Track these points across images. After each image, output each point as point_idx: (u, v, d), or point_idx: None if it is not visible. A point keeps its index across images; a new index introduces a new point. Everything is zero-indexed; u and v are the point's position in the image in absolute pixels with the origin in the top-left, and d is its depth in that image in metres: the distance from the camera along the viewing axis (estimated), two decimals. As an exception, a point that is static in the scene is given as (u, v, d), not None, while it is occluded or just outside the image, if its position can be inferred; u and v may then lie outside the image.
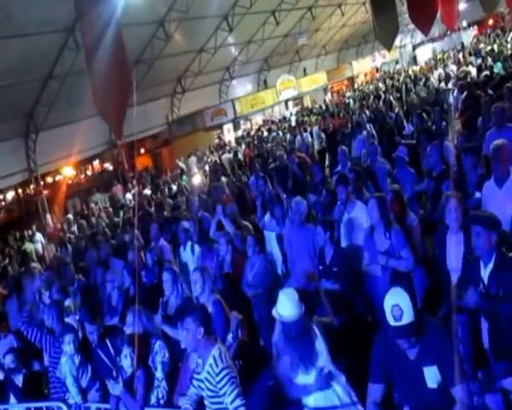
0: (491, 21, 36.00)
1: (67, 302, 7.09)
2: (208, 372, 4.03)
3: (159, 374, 4.95)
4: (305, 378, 4.09)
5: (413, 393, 3.43)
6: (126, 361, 4.99)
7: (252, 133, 26.34)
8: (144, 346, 4.96)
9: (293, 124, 23.52)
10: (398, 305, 3.24)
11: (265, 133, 22.86)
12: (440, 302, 5.08)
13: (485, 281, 4.00)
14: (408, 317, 3.24)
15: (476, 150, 6.51)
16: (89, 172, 24.41)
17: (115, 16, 4.89)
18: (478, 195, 5.84)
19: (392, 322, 3.28)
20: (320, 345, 4.11)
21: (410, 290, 3.36)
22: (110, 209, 16.48)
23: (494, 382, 3.97)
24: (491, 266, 3.99)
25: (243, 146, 22.01)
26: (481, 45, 27.72)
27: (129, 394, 4.83)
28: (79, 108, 17.58)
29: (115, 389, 5.00)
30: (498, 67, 16.01)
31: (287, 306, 4.08)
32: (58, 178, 22.94)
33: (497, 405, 4.02)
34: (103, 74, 4.95)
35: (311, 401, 4.09)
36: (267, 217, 7.75)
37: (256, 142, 22.58)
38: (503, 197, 5.39)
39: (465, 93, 12.14)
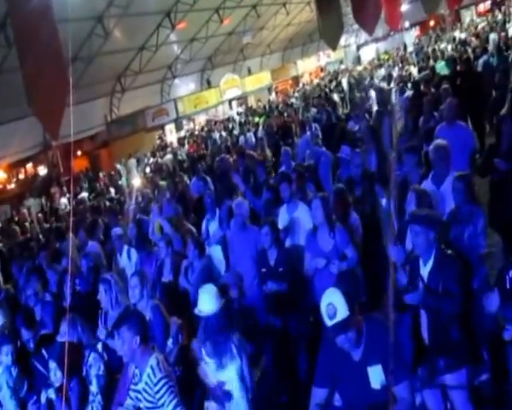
0: (432, 22, 36.77)
1: None
2: (146, 383, 3.91)
3: (94, 388, 4.74)
4: (220, 374, 4.21)
5: (357, 395, 3.41)
6: (56, 373, 4.74)
7: (196, 133, 25.79)
8: (77, 356, 4.78)
9: (237, 123, 23.23)
10: (331, 303, 3.29)
11: (216, 134, 22.38)
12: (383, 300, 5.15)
13: (425, 278, 4.04)
14: (342, 313, 3.27)
15: (417, 149, 6.60)
16: (21, 176, 23.40)
17: (50, 11, 4.74)
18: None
19: (328, 322, 3.30)
20: (237, 341, 4.23)
21: (350, 286, 3.64)
22: (40, 215, 15.70)
23: (434, 378, 4.00)
24: (430, 263, 4.03)
25: (186, 147, 21.49)
26: (424, 45, 28.28)
27: (64, 406, 4.62)
28: (11, 108, 16.81)
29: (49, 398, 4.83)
30: (440, 67, 16.15)
31: (205, 300, 4.20)
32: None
33: (436, 401, 4.07)
34: (38, 73, 4.77)
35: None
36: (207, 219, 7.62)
37: (199, 141, 22.14)
38: (440, 197, 5.48)
39: (411, 92, 12.26)
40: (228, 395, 4.23)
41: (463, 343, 3.98)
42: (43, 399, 4.93)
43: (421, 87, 12.61)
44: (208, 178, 10.42)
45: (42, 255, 8.44)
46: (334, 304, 3.28)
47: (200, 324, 4.38)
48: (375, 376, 3.38)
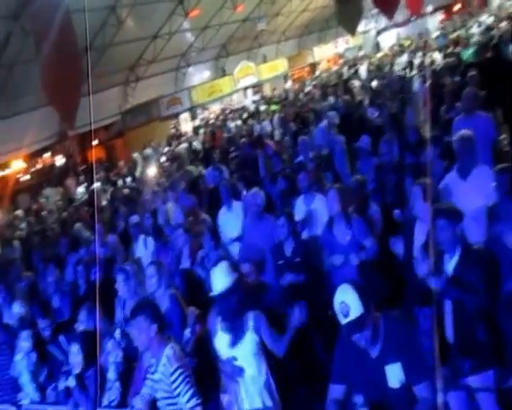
0: (457, 6, 35.76)
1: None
2: (162, 373, 3.93)
3: (111, 375, 4.80)
4: (233, 350, 4.11)
5: (374, 393, 3.33)
6: (76, 359, 4.77)
7: (210, 122, 25.64)
8: (95, 344, 4.71)
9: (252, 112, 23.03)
10: (343, 302, 3.20)
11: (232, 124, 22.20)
12: (402, 298, 5.08)
13: (450, 274, 3.93)
14: (355, 311, 3.18)
15: (439, 140, 6.50)
16: (39, 166, 23.57)
17: (64, 1, 4.75)
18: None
19: (342, 320, 3.23)
20: (252, 320, 4.11)
21: (366, 281, 3.54)
22: (60, 203, 15.76)
23: (458, 379, 3.90)
24: (456, 259, 3.93)
25: (200, 136, 21.35)
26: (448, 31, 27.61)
27: (82, 392, 4.67)
28: (28, 98, 16.97)
29: (72, 383, 4.80)
30: (468, 54, 15.70)
31: (218, 277, 4.08)
32: (6, 172, 22.12)
33: (461, 403, 3.96)
34: (53, 62, 4.79)
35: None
36: (223, 210, 7.55)
37: (214, 131, 21.98)
38: (467, 190, 5.29)
39: (429, 81, 11.95)
40: (239, 371, 4.12)
41: (490, 344, 3.84)
42: (61, 386, 4.94)
43: (445, 75, 12.24)
44: (224, 168, 10.33)
45: (61, 243, 8.54)
46: (346, 302, 3.20)
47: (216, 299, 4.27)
48: (394, 374, 3.28)
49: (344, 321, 3.22)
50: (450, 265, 3.95)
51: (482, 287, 3.76)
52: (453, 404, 3.94)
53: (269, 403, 4.15)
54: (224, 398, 4.28)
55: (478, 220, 4.88)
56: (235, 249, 6.83)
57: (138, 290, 5.64)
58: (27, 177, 23.11)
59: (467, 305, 3.81)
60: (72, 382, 4.74)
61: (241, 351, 4.12)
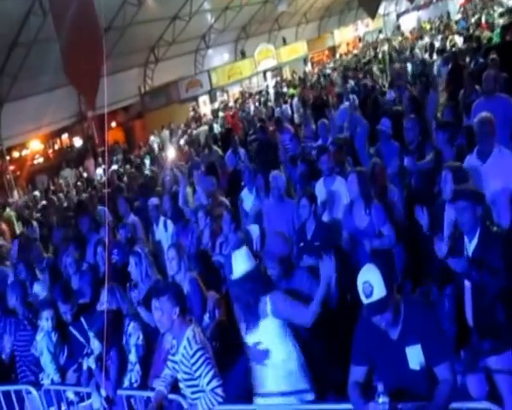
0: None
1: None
2: (183, 355, 3.96)
3: (132, 357, 4.79)
4: (252, 336, 4.07)
5: (394, 375, 3.33)
6: (95, 342, 4.80)
7: (230, 105, 25.54)
8: (117, 325, 4.80)
9: (272, 95, 22.88)
10: (368, 281, 3.20)
11: (251, 106, 22.08)
12: (422, 280, 5.14)
13: (470, 256, 3.94)
14: (379, 292, 3.18)
15: (449, 126, 6.39)
16: (57, 147, 23.69)
17: None
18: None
19: (364, 300, 3.23)
20: (269, 304, 4.02)
21: (387, 266, 3.35)
22: (79, 184, 15.85)
23: (477, 361, 3.93)
24: (475, 241, 3.94)
25: (219, 120, 21.29)
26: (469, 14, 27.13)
27: (102, 374, 4.66)
28: (46, 77, 16.84)
29: (89, 365, 4.86)
30: (490, 37, 15.46)
31: (237, 263, 4.06)
32: (25, 152, 22.27)
33: (479, 385, 3.96)
34: (74, 42, 4.79)
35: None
36: (245, 192, 7.57)
37: (233, 114, 21.90)
38: (486, 172, 5.28)
39: (450, 64, 11.76)
40: (264, 354, 4.06)
41: (509, 325, 3.85)
42: (84, 366, 4.98)
43: (467, 58, 12.06)
44: (243, 151, 10.28)
45: (82, 222, 8.51)
46: (370, 282, 3.19)
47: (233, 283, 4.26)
48: (414, 356, 3.29)
49: (366, 301, 3.22)
50: (471, 246, 3.96)
51: (501, 268, 3.76)
52: (472, 386, 3.94)
53: (301, 386, 4.08)
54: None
55: (497, 203, 4.87)
56: (255, 232, 6.78)
57: (151, 274, 5.62)
58: (45, 157, 23.26)
59: (486, 286, 3.81)
60: (92, 363, 4.77)
61: (264, 336, 4.06)
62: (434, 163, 6.39)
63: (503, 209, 4.88)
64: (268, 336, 4.05)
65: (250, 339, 4.12)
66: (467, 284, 3.96)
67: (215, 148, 11.98)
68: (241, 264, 4.07)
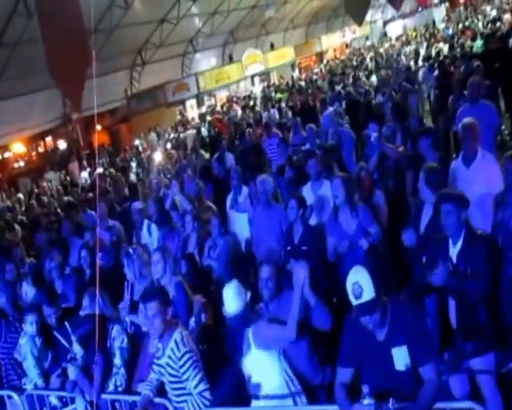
0: (462, -1, 35.95)
1: None
2: (170, 357, 3.95)
3: (117, 361, 4.78)
4: (245, 370, 4.12)
5: (380, 376, 3.36)
6: (77, 347, 4.82)
7: (217, 109, 25.54)
8: (101, 329, 4.69)
9: (260, 100, 22.93)
10: (357, 282, 3.23)
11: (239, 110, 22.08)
12: (408, 280, 5.13)
13: (454, 259, 4.00)
14: (368, 293, 3.22)
15: (431, 132, 6.55)
16: (41, 149, 23.47)
17: None
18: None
19: (353, 301, 3.26)
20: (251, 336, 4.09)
21: (375, 266, 3.36)
22: (60, 188, 15.70)
23: (460, 362, 3.98)
24: (460, 244, 3.99)
25: (207, 123, 21.27)
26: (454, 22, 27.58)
27: (86, 379, 4.68)
28: (31, 79, 16.79)
29: (73, 372, 4.81)
30: (477, 45, 15.68)
31: (229, 301, 4.11)
32: (7, 155, 22.02)
33: (462, 386, 4.01)
34: (59, 43, 4.76)
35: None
36: (241, 197, 7.57)
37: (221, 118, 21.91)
38: (470, 177, 5.43)
39: (436, 71, 11.98)
40: (256, 387, 4.08)
41: (491, 327, 3.92)
42: (69, 374, 4.91)
43: (451, 65, 12.26)
44: (230, 155, 10.26)
45: (65, 226, 8.41)
46: (360, 283, 3.23)
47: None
48: (400, 357, 3.33)
49: (355, 302, 3.25)
50: (455, 249, 4.01)
51: (485, 271, 3.82)
52: (455, 386, 3.99)
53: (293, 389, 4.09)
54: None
55: (481, 207, 4.96)
56: (244, 234, 6.87)
57: (145, 274, 5.56)
58: (29, 160, 23.02)
59: (469, 289, 3.84)
60: (72, 373, 4.75)
61: (253, 369, 4.10)
62: (378, 168, 6.71)
63: (487, 213, 4.94)
64: (256, 369, 4.07)
65: (245, 371, 4.16)
66: (450, 286, 3.99)
67: (201, 152, 11.92)
68: (232, 301, 4.10)
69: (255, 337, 4.07)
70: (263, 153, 10.22)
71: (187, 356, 3.89)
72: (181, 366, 3.88)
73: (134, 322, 5.22)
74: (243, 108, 22.10)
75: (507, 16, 19.72)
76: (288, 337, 3.97)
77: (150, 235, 7.62)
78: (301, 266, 4.03)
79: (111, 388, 4.71)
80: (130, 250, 5.76)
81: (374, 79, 17.12)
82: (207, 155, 11.64)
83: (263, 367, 4.05)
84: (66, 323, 5.30)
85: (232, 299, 4.11)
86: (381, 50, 26.99)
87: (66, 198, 13.13)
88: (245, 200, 7.38)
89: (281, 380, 4.05)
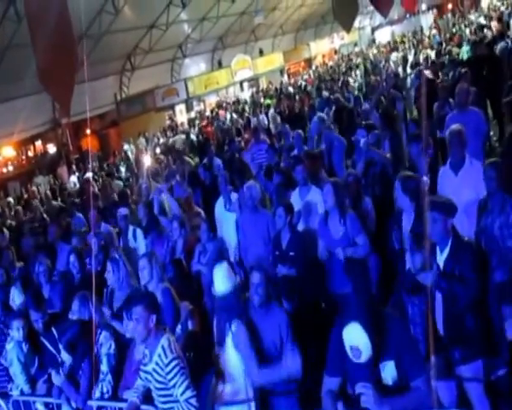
0: (450, 6, 36.25)
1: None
2: (157, 363, 3.91)
3: (104, 367, 4.71)
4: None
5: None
6: (65, 354, 4.76)
7: (207, 114, 25.57)
8: (89, 335, 4.68)
9: (249, 105, 22.99)
10: (356, 347, 3.17)
11: (228, 116, 22.09)
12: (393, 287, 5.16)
13: (441, 266, 3.99)
14: (367, 354, 3.17)
15: (421, 138, 6.50)
16: (30, 154, 23.36)
17: None
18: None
19: (353, 360, 3.22)
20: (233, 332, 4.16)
21: (366, 318, 3.18)
22: (48, 192, 15.63)
23: (448, 369, 3.96)
24: (447, 251, 3.99)
25: (196, 128, 21.31)
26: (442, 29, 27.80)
27: (72, 386, 4.65)
28: (20, 83, 16.68)
29: (58, 379, 4.76)
30: (464, 51, 15.81)
31: (219, 279, 4.21)
32: (-3, 158, 21.92)
33: (450, 392, 4.00)
34: (49, 48, 4.75)
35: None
36: (220, 202, 7.56)
37: (210, 123, 21.95)
38: (458, 183, 5.44)
39: (423, 78, 12.04)
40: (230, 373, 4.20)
41: (479, 334, 3.91)
42: (53, 380, 4.87)
43: (438, 72, 12.34)
44: (218, 161, 10.28)
45: (51, 232, 8.36)
46: (358, 348, 3.16)
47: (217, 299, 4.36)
48: (387, 372, 3.30)
49: (355, 361, 3.22)
50: (442, 256, 4.01)
51: (472, 278, 3.82)
52: (443, 394, 3.96)
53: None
54: (226, 388, 4.27)
55: (469, 214, 4.98)
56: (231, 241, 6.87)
57: (129, 282, 5.57)
58: (18, 164, 22.90)
59: (457, 296, 3.86)
60: (57, 381, 4.72)
61: (229, 355, 4.20)
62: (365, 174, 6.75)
63: (475, 220, 4.96)
64: (231, 358, 4.19)
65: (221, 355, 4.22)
66: (437, 293, 4.00)
67: (187, 159, 11.80)
68: (221, 281, 4.20)
69: (235, 336, 4.15)
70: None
71: (174, 363, 3.85)
72: (168, 373, 3.85)
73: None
74: (235, 112, 22.18)
75: (494, 23, 19.91)
76: (249, 375, 4.12)
77: (136, 241, 7.59)
78: (297, 358, 4.12)
79: (97, 394, 4.66)
80: (117, 256, 5.76)
81: (362, 85, 17.26)
82: (196, 160, 11.59)
83: (231, 363, 4.17)
84: (52, 328, 5.25)
85: (222, 279, 4.21)
86: (370, 55, 27.15)
87: (55, 203, 13.10)
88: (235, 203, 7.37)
89: (240, 383, 4.17)
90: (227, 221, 7.26)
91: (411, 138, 6.50)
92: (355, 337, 3.18)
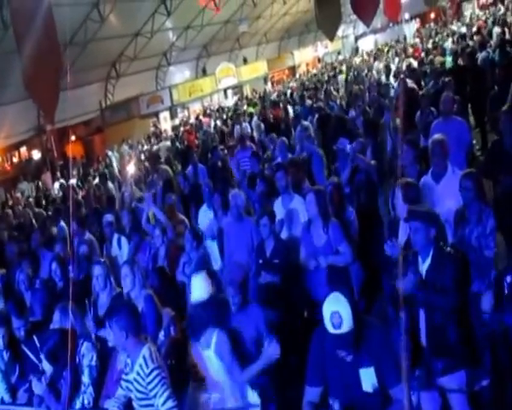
0: (432, 15, 36.72)
1: None
2: (138, 373, 3.87)
3: (86, 379, 4.64)
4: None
5: (348, 395, 3.35)
6: (47, 363, 4.67)
7: (191, 121, 25.61)
8: (70, 345, 4.52)
9: (231, 113, 23.03)
10: (338, 312, 3.15)
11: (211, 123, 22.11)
12: (377, 296, 5.21)
13: (423, 275, 3.98)
14: (348, 325, 3.16)
15: (415, 144, 6.51)
16: (15, 160, 23.25)
17: None
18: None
19: (331, 329, 3.18)
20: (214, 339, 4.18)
21: (348, 290, 3.31)
22: (31, 200, 15.55)
23: (431, 380, 3.94)
24: (428, 260, 3.98)
25: (179, 137, 21.29)
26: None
27: (53, 395, 4.57)
28: (5, 90, 16.63)
29: (38, 388, 4.67)
30: (448, 61, 16.04)
31: (196, 287, 4.29)
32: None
33: (433, 404, 4.01)
34: (34, 55, 4.76)
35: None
36: (204, 209, 7.56)
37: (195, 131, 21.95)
38: (440, 193, 5.42)
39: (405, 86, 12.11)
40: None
41: (461, 345, 3.89)
42: (34, 388, 4.80)
43: (421, 81, 12.46)
44: (202, 167, 10.30)
45: (34, 239, 8.31)
46: (340, 314, 3.15)
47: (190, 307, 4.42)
48: (367, 378, 3.32)
49: (333, 331, 3.19)
50: (424, 266, 4.01)
51: (454, 288, 3.81)
52: (425, 405, 4.00)
53: (254, 401, 4.22)
54: (210, 396, 4.29)
55: (450, 223, 4.98)
56: (213, 250, 6.85)
57: (113, 288, 5.56)
58: (3, 170, 22.78)
59: (438, 306, 3.86)
60: (38, 389, 4.66)
61: (209, 364, 4.22)
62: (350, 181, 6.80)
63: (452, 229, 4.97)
64: (213, 367, 4.21)
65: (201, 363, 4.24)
66: (419, 303, 3.98)
67: (163, 167, 11.51)
68: (198, 289, 4.26)
69: (217, 345, 4.17)
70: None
71: (155, 373, 3.82)
72: (149, 383, 3.82)
73: (100, 338, 5.16)
74: (219, 119, 22.23)
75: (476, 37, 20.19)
76: (234, 380, 4.16)
77: (120, 248, 7.56)
78: (276, 346, 4.09)
79: (78, 405, 4.59)
80: (101, 263, 5.75)
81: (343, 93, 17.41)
82: (170, 171, 11.48)
83: (214, 372, 4.21)
84: (34, 337, 5.21)
85: (199, 287, 4.28)
86: (353, 65, 27.35)
87: (37, 210, 13.04)
88: (209, 225, 7.29)
89: (227, 391, 4.20)
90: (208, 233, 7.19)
91: (407, 143, 6.35)
92: (336, 303, 3.18)
